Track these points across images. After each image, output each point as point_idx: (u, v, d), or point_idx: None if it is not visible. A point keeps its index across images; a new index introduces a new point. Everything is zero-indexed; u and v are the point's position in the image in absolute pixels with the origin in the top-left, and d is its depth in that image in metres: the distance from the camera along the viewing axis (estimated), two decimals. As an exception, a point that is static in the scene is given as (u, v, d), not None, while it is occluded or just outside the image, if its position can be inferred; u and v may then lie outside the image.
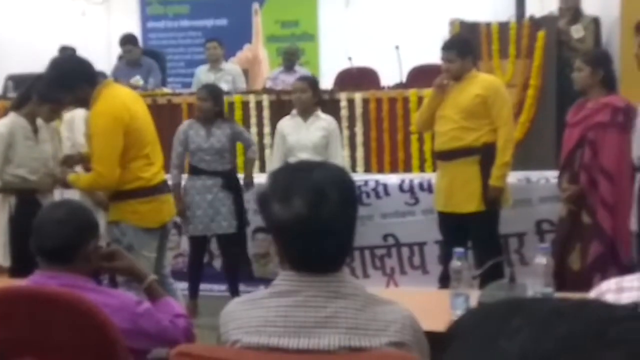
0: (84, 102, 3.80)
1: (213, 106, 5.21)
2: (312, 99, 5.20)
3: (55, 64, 3.80)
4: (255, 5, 10.03)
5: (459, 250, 2.50)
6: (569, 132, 4.37)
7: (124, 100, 3.81)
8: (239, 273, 5.39)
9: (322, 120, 5.23)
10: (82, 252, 2.20)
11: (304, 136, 5.18)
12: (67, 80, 3.69)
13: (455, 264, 2.47)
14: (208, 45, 7.66)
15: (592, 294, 1.53)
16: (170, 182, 5.23)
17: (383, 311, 1.65)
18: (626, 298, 1.46)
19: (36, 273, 2.21)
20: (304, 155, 5.10)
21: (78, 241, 2.19)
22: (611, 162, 4.15)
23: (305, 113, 5.21)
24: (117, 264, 2.35)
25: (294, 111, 5.28)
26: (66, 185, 4.30)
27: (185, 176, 5.28)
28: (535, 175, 5.17)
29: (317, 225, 1.62)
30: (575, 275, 4.15)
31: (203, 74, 7.51)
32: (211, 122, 5.19)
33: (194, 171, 5.22)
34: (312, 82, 5.37)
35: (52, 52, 7.71)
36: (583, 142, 4.23)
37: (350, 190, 1.72)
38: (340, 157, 5.28)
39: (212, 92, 5.33)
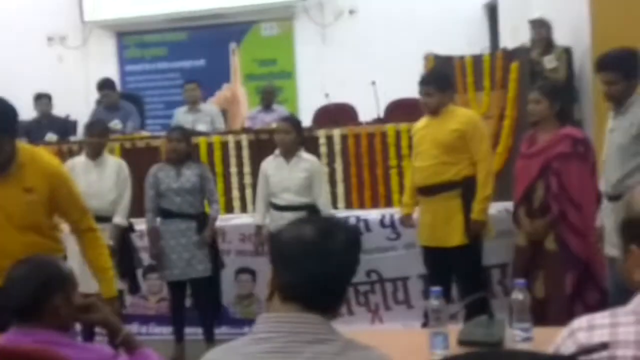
0: None
1: (186, 147, 5.22)
2: (295, 139, 5.14)
3: None
4: (233, 45, 10.10)
5: (435, 289, 2.50)
6: (525, 164, 4.42)
7: None
8: (214, 316, 5.33)
9: (305, 161, 5.16)
10: (48, 307, 2.17)
11: (286, 177, 5.13)
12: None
13: (433, 303, 2.47)
14: (187, 87, 7.68)
15: (564, 332, 1.52)
16: (145, 226, 5.24)
17: (359, 356, 1.65)
18: (598, 336, 1.46)
19: (10, 331, 2.18)
20: (287, 196, 5.08)
21: (40, 297, 2.16)
22: (577, 191, 4.21)
23: (288, 154, 5.15)
24: (92, 316, 2.32)
25: (277, 151, 5.23)
26: None
27: (158, 220, 5.24)
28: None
29: (319, 252, 1.66)
30: (540, 304, 4.17)
31: (181, 116, 7.51)
32: (181, 163, 5.19)
33: (166, 214, 5.19)
34: (295, 123, 5.29)
35: (29, 99, 7.74)
36: (546, 173, 4.28)
37: (357, 240, 1.77)
38: (324, 197, 5.22)
39: (185, 133, 5.36)
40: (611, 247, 4.00)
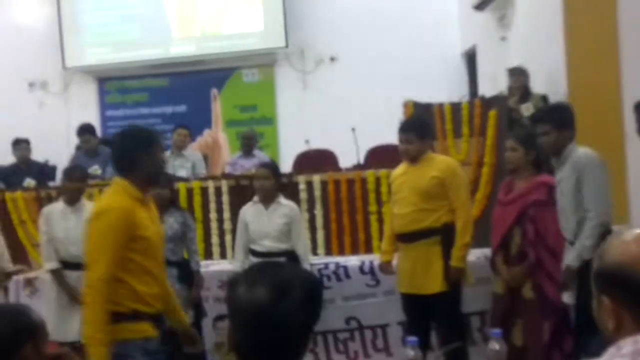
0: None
1: (169, 193, 5.20)
2: (274, 185, 5.13)
3: None
4: (214, 91, 10.17)
5: (411, 339, 2.49)
6: (503, 211, 4.45)
7: None
8: None
9: (284, 207, 5.14)
10: (18, 357, 2.12)
11: (266, 224, 5.10)
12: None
13: (409, 353, 2.46)
14: (178, 132, 7.60)
15: None
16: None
17: None
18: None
19: (-23, 382, 2.13)
20: (267, 243, 5.05)
21: (10, 348, 2.12)
22: (553, 238, 4.24)
23: (267, 200, 5.13)
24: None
25: (256, 198, 5.21)
26: None
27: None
28: (493, 252, 5.20)
29: (273, 317, 1.60)
30: (519, 352, 4.16)
31: (163, 161, 7.47)
32: (164, 210, 5.15)
33: None
34: (273, 169, 5.29)
35: (9, 145, 7.72)
36: (522, 220, 4.31)
37: (316, 295, 1.71)
38: (303, 243, 5.19)
39: (170, 180, 5.33)
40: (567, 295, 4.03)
